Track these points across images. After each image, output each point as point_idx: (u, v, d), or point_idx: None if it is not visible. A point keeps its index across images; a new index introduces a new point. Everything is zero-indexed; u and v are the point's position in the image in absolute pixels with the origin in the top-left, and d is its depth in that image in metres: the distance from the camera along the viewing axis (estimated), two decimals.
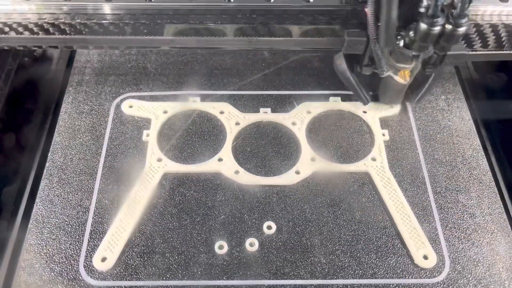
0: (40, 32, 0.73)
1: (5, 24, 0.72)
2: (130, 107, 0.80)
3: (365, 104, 0.78)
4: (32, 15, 0.73)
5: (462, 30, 0.59)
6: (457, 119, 0.80)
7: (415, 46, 0.63)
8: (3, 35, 0.73)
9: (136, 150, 0.75)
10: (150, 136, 0.76)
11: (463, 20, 0.58)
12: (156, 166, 0.73)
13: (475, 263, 0.65)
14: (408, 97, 0.78)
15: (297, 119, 0.79)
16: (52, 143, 0.76)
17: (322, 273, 0.64)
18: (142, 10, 0.74)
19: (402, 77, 0.69)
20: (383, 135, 0.77)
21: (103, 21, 0.73)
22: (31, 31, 0.73)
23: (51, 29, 0.73)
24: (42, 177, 0.72)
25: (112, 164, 0.74)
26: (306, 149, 0.75)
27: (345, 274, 0.64)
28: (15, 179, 0.77)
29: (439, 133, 0.78)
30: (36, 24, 0.73)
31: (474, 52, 0.75)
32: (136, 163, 0.74)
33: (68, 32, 0.73)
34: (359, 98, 0.77)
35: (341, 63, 0.72)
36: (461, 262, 0.65)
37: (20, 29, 0.72)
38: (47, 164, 0.73)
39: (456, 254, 0.65)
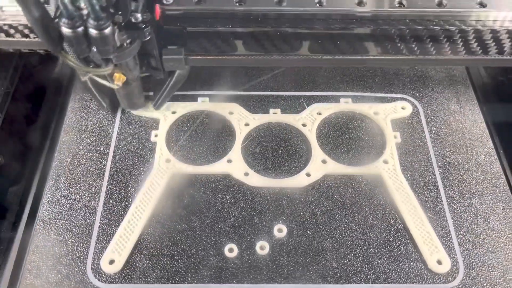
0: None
1: (10, 26, 0.70)
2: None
3: (103, 108, 0.77)
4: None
5: (100, 33, 0.54)
6: (469, 121, 0.79)
7: (73, 50, 0.58)
8: (9, 38, 0.71)
9: (144, 151, 0.74)
10: (159, 137, 0.75)
11: (101, 23, 0.53)
12: (164, 167, 0.71)
13: (490, 268, 0.64)
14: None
15: (308, 121, 0.77)
16: (59, 143, 0.75)
17: (334, 277, 0.62)
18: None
19: (114, 82, 0.65)
20: (395, 137, 0.76)
21: None
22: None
23: None
24: (49, 178, 0.71)
25: (120, 164, 0.72)
26: (316, 151, 0.74)
27: (358, 278, 0.62)
28: (21, 179, 0.76)
29: (451, 135, 0.77)
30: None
31: (479, 57, 0.73)
32: (144, 164, 0.72)
33: None
34: (97, 102, 0.76)
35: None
36: (476, 267, 0.64)
37: (27, 31, 0.70)
38: (53, 164, 0.72)
39: (470, 259, 0.64)
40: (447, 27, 0.70)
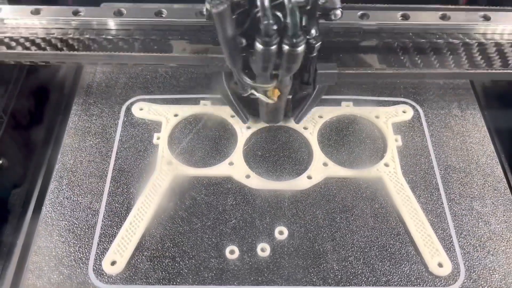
0: (48, 48, 0.71)
1: (11, 38, 0.70)
2: (141, 109, 0.79)
3: (244, 122, 0.77)
4: (40, 30, 0.71)
5: (298, 50, 0.53)
6: (470, 125, 0.79)
7: (257, 67, 0.59)
8: (10, 51, 0.71)
9: (146, 153, 0.75)
10: (161, 139, 0.75)
11: (298, 40, 0.52)
12: (166, 169, 0.72)
13: (491, 271, 0.64)
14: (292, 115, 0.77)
15: (309, 124, 0.78)
16: (62, 145, 0.75)
17: (335, 279, 0.62)
18: (152, 26, 0.71)
19: (270, 97, 0.65)
20: (396, 140, 0.76)
21: (112, 37, 0.71)
22: (39, 46, 0.71)
23: (59, 44, 0.71)
24: (52, 179, 0.71)
25: (122, 166, 0.73)
26: (318, 154, 0.74)
27: (358, 281, 0.62)
28: (24, 181, 0.76)
29: (452, 139, 0.78)
30: (44, 39, 0.70)
31: (483, 71, 0.74)
32: (146, 166, 0.73)
33: (76, 47, 0.71)
34: (238, 116, 0.75)
35: (221, 83, 0.69)
36: (477, 270, 0.64)
37: (28, 44, 0.71)
38: (56, 166, 0.73)
39: (472, 262, 0.64)
40: (450, 40, 0.70)
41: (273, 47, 0.52)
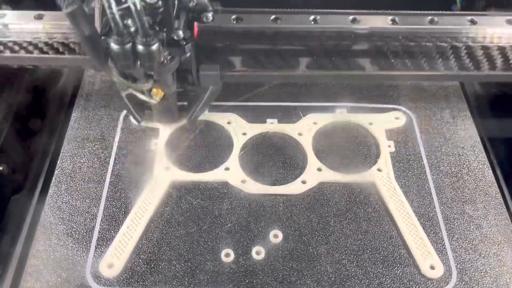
0: (50, 52, 0.73)
1: (15, 43, 0.72)
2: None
3: (138, 123, 0.78)
4: (44, 34, 0.72)
5: (151, 49, 0.56)
6: (462, 131, 0.81)
7: (118, 66, 0.61)
8: (13, 54, 0.73)
9: (144, 159, 0.76)
10: (158, 145, 0.77)
11: (149, 39, 0.55)
12: (163, 174, 0.73)
13: (482, 274, 0.64)
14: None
15: (304, 130, 0.79)
16: (62, 151, 0.77)
17: (328, 282, 0.63)
18: None
19: (153, 97, 0.67)
20: (389, 146, 0.78)
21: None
22: (41, 51, 0.73)
23: (60, 48, 0.73)
24: (51, 184, 0.73)
25: (120, 172, 0.74)
26: (312, 159, 0.76)
27: (352, 283, 0.63)
28: (24, 187, 0.77)
29: (444, 145, 0.79)
30: (46, 43, 0.72)
31: (468, 73, 0.76)
32: (144, 171, 0.74)
33: (77, 51, 0.73)
34: (132, 116, 0.77)
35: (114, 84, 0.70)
36: (468, 272, 0.65)
37: (31, 48, 0.73)
38: (56, 172, 0.74)
39: (463, 265, 0.65)
40: (439, 43, 0.72)
41: (127, 46, 0.55)
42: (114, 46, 0.55)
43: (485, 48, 0.73)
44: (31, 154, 0.82)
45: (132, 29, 0.55)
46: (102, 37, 0.57)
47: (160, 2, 0.56)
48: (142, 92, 0.67)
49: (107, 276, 0.63)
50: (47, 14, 0.73)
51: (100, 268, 0.64)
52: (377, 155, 0.77)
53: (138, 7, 0.52)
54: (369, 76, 0.76)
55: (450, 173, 0.75)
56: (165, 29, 0.59)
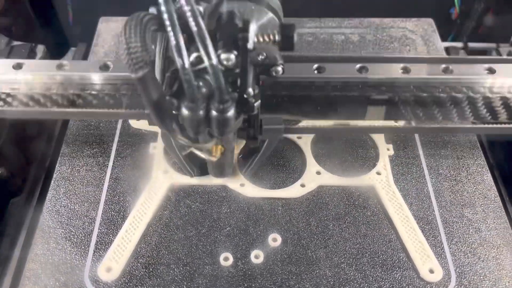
0: (30, 103, 0.66)
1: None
2: (138, 120, 0.81)
3: (191, 177, 0.74)
4: (23, 85, 0.66)
5: (226, 116, 0.49)
6: (460, 134, 0.81)
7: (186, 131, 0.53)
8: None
9: (142, 162, 0.76)
10: (157, 149, 0.77)
11: (226, 105, 0.48)
12: (162, 178, 0.73)
13: (482, 277, 0.64)
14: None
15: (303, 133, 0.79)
16: (60, 154, 0.77)
17: (327, 286, 0.63)
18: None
19: (211, 153, 0.60)
20: (388, 149, 0.78)
21: (98, 92, 0.67)
22: (21, 102, 0.67)
23: (41, 100, 0.67)
24: (50, 188, 0.73)
25: (118, 175, 0.74)
26: (311, 163, 0.76)
27: (351, 287, 0.63)
28: (22, 191, 0.78)
29: (443, 148, 0.79)
30: (26, 95, 0.66)
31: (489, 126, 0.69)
32: (142, 175, 0.74)
33: (60, 102, 0.67)
34: (185, 170, 0.73)
35: (166, 136, 0.67)
36: (467, 276, 0.64)
37: (9, 99, 0.66)
38: (54, 175, 0.74)
39: (462, 268, 0.65)
40: (454, 94, 0.65)
41: (200, 112, 0.48)
42: (186, 112, 0.48)
43: (505, 99, 0.66)
44: (29, 157, 0.82)
45: (204, 90, 0.47)
46: (167, 97, 0.49)
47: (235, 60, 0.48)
48: (200, 149, 0.60)
49: (105, 280, 0.63)
50: (27, 63, 0.67)
51: (99, 272, 0.63)
52: (376, 159, 0.77)
53: (218, 68, 0.45)
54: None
55: (449, 176, 0.75)
56: (237, 90, 0.52)
